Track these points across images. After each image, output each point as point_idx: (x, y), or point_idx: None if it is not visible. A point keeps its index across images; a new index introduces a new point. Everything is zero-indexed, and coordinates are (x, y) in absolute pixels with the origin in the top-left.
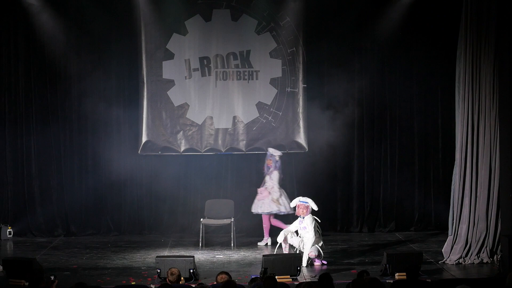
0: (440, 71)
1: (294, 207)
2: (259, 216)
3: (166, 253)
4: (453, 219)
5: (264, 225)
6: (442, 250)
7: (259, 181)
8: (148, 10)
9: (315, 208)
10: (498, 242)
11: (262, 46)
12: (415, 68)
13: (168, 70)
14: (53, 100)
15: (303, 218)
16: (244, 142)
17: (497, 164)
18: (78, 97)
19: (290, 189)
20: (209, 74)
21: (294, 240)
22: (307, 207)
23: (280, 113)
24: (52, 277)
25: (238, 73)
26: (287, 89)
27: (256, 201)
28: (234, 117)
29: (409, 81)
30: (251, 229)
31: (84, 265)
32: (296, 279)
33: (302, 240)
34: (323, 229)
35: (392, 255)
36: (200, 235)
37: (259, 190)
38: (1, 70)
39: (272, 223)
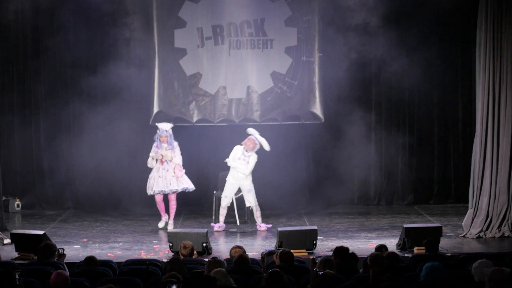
0: (460, 40)
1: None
2: (274, 188)
3: (178, 226)
4: (473, 192)
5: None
6: (462, 224)
7: (275, 152)
8: None
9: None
10: None
11: (276, 14)
12: (434, 37)
13: (180, 38)
14: (63, 70)
15: (247, 151)
16: (259, 112)
17: None
18: (87, 67)
19: (306, 160)
20: (222, 43)
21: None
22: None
23: (296, 83)
24: (61, 250)
25: (252, 41)
26: (302, 58)
27: (175, 179)
28: (248, 87)
29: (428, 50)
30: (266, 202)
31: (94, 238)
32: (312, 253)
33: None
34: (339, 202)
35: (410, 229)
36: (213, 208)
37: (176, 168)
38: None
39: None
